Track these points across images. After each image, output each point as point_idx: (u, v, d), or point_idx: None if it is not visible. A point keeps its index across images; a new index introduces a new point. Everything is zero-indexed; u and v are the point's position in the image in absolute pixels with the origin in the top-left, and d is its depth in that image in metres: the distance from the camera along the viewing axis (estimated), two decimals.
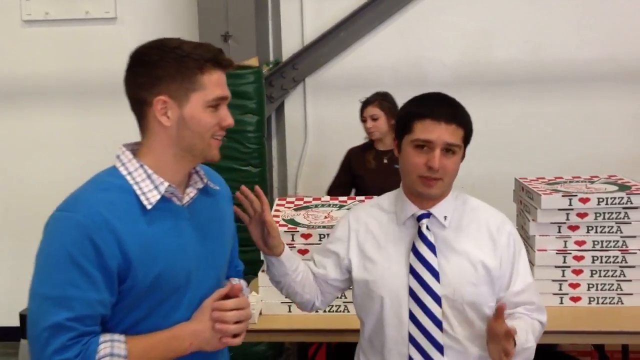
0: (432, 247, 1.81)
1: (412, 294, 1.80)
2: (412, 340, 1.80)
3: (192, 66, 1.49)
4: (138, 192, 1.49)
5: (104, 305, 1.43)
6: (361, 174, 3.73)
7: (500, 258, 1.82)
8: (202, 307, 1.55)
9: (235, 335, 1.56)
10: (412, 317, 1.80)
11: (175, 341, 1.51)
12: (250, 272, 2.92)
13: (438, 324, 1.79)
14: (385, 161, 3.72)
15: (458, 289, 1.79)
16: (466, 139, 1.80)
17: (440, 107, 1.78)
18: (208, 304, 1.55)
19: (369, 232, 1.90)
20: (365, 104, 3.71)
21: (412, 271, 1.80)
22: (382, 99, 3.71)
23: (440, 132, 1.74)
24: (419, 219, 1.83)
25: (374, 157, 3.74)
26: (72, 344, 1.39)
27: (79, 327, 1.39)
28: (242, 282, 1.87)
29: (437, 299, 1.79)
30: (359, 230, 1.92)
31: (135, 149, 1.56)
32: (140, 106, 1.53)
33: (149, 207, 1.49)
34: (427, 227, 1.82)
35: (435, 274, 1.79)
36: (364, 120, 3.72)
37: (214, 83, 1.52)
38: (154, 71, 1.49)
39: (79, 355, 1.39)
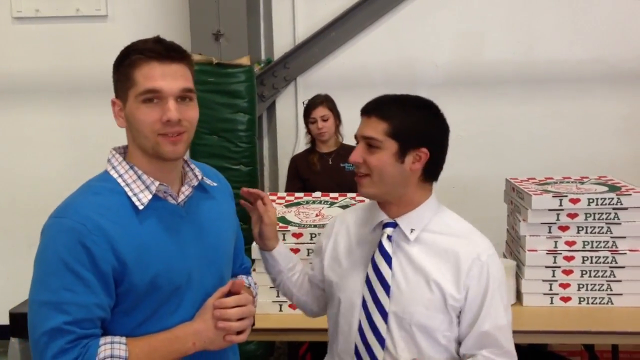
0: (388, 259, 1.71)
1: (364, 304, 1.73)
2: (356, 351, 1.74)
3: (127, 63, 1.47)
4: (129, 193, 1.49)
5: (101, 308, 1.43)
6: (308, 177, 3.78)
7: (467, 290, 1.66)
8: (204, 306, 1.54)
9: (239, 333, 1.54)
10: (360, 329, 1.73)
11: (178, 342, 1.49)
12: None
13: (380, 340, 1.70)
14: (330, 162, 3.77)
15: (407, 308, 1.68)
16: (395, 134, 1.66)
17: (369, 103, 1.74)
18: (210, 303, 1.53)
19: (347, 234, 1.87)
20: (314, 105, 3.76)
21: (367, 281, 1.73)
22: (328, 101, 3.79)
23: (362, 126, 1.72)
24: (384, 227, 1.74)
25: (318, 159, 3.80)
26: (71, 347, 1.38)
27: (77, 330, 1.39)
28: (250, 279, 1.86)
29: (383, 314, 1.70)
30: (339, 232, 1.89)
31: (125, 152, 1.56)
32: None
33: (141, 207, 1.48)
34: (388, 237, 1.73)
35: (386, 288, 1.70)
36: (312, 121, 3.75)
37: (144, 76, 1.45)
38: (113, 75, 1.52)
39: (78, 357, 1.38)
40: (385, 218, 1.75)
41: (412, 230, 1.72)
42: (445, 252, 1.69)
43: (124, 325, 1.48)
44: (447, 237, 1.71)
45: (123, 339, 1.45)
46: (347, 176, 3.76)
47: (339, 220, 1.93)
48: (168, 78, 1.46)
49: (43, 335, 1.38)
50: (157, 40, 1.49)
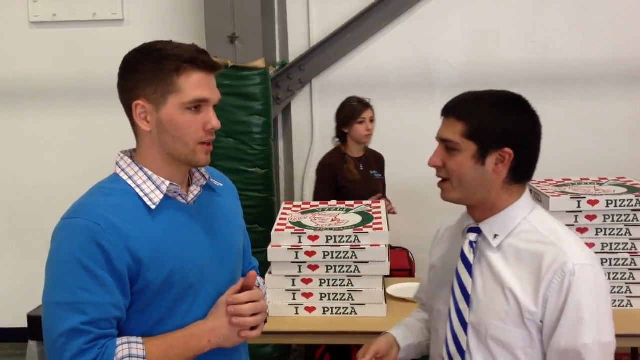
0: (468, 266, 1.61)
1: (449, 314, 1.64)
2: None
3: (168, 68, 1.46)
4: (141, 194, 1.50)
5: (117, 307, 1.43)
6: (345, 185, 3.67)
7: (546, 303, 1.51)
8: (217, 303, 1.54)
9: (252, 328, 1.54)
10: (446, 339, 1.66)
11: (193, 340, 1.49)
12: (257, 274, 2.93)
13: (461, 352, 1.61)
14: (362, 168, 3.73)
15: (483, 319, 1.57)
16: (473, 135, 1.56)
17: (448, 103, 1.63)
18: (223, 300, 1.54)
19: (444, 240, 1.80)
20: (365, 106, 3.71)
21: (452, 289, 1.65)
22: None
23: (441, 128, 1.62)
24: (468, 232, 1.65)
25: (354, 166, 3.72)
26: (89, 348, 1.38)
27: (95, 330, 1.39)
28: (259, 279, 1.87)
29: (464, 325, 1.60)
30: (440, 238, 1.83)
31: (133, 155, 1.57)
32: (127, 111, 1.53)
33: (153, 207, 1.49)
34: (471, 244, 1.62)
35: (466, 297, 1.60)
36: (361, 122, 3.69)
37: (192, 85, 1.47)
38: (133, 75, 1.49)
39: (96, 358, 1.38)
40: (470, 223, 1.65)
41: (495, 235, 1.59)
42: (529, 261, 1.55)
43: (139, 325, 1.48)
44: (534, 244, 1.56)
45: (140, 339, 1.45)
46: (377, 184, 3.74)
47: (443, 227, 1.85)
48: (212, 89, 1.51)
49: (60, 336, 1.38)
50: (201, 50, 1.50)
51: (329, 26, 4.27)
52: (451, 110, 1.60)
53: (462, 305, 1.61)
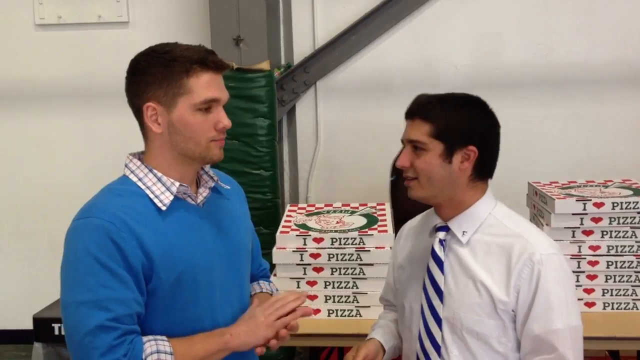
0: (440, 263, 1.68)
1: (422, 310, 1.71)
2: (417, 359, 1.73)
3: (177, 70, 1.48)
4: (151, 195, 1.51)
5: (138, 303, 1.44)
6: None
7: (517, 292, 1.59)
8: (249, 314, 1.58)
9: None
10: (419, 336, 1.72)
11: (214, 334, 1.52)
12: None
13: (436, 347, 1.68)
14: None
15: (458, 313, 1.64)
16: (440, 135, 1.63)
17: (411, 105, 1.71)
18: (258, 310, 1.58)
19: (410, 240, 1.86)
20: None
21: (424, 287, 1.72)
22: None
23: (406, 130, 1.70)
24: (437, 231, 1.72)
25: None
26: (119, 344, 1.39)
27: (121, 325, 1.40)
28: (272, 285, 1.88)
29: (438, 320, 1.67)
30: (405, 238, 1.88)
31: (142, 157, 1.58)
32: (136, 114, 1.55)
33: (163, 208, 1.51)
34: (440, 242, 1.69)
35: (439, 293, 1.67)
36: None
37: (202, 85, 1.50)
38: (143, 78, 1.50)
39: (127, 354, 1.39)
40: (438, 222, 1.72)
41: (464, 232, 1.67)
42: (498, 253, 1.63)
43: (151, 323, 1.49)
44: (501, 237, 1.65)
45: (164, 337, 1.46)
46: None
47: (406, 227, 1.91)
48: (221, 88, 1.56)
49: (86, 335, 1.38)
50: (209, 51, 1.53)
51: (334, 28, 4.27)
52: (416, 112, 1.68)
53: (436, 302, 1.67)
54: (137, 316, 1.45)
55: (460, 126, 1.63)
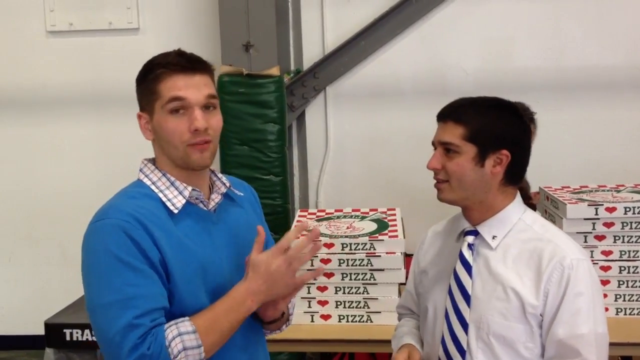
0: (468, 268, 1.66)
1: (446, 314, 1.69)
2: None
3: (150, 77, 1.52)
4: (164, 199, 1.53)
5: (164, 297, 1.45)
6: None
7: (546, 296, 1.58)
8: (252, 263, 1.50)
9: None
10: (442, 340, 1.70)
11: (235, 303, 1.48)
12: None
13: (461, 352, 1.65)
14: None
15: (485, 317, 1.62)
16: (473, 138, 1.61)
17: (444, 108, 1.69)
18: (260, 259, 1.49)
19: (435, 244, 1.84)
20: (524, 109, 3.50)
21: (449, 291, 1.70)
22: None
23: (438, 132, 1.68)
24: (465, 235, 1.70)
25: None
26: (142, 341, 1.39)
27: (147, 322, 1.40)
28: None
29: (464, 325, 1.65)
30: (430, 243, 1.87)
31: (155, 162, 1.61)
32: None
33: (175, 211, 1.52)
34: (469, 246, 1.68)
35: (466, 297, 1.65)
36: None
37: (167, 87, 1.51)
38: (137, 89, 1.57)
39: (150, 347, 1.39)
40: (467, 226, 1.70)
41: (494, 237, 1.66)
42: (527, 258, 1.62)
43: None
44: (531, 242, 1.64)
45: (185, 317, 1.46)
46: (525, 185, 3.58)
47: (431, 231, 1.90)
48: (192, 88, 1.51)
49: (116, 334, 1.40)
50: (179, 54, 1.54)
51: (344, 33, 4.27)
52: (449, 115, 1.66)
53: (462, 305, 1.65)
54: (164, 309, 1.45)
55: (494, 130, 1.62)
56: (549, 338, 1.58)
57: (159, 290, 1.44)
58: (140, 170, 1.59)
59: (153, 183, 1.55)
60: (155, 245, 1.45)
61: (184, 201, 1.53)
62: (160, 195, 1.53)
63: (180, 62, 1.51)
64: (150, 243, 1.45)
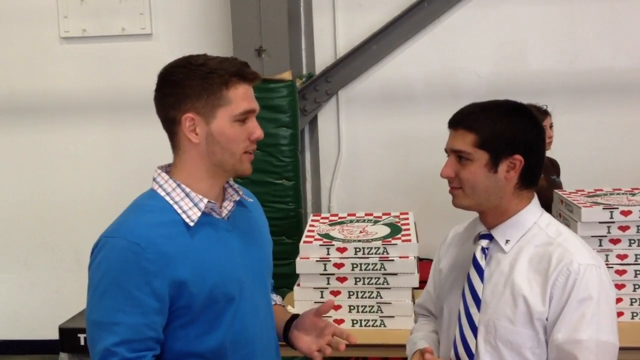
0: (480, 271, 1.66)
1: (459, 317, 1.69)
2: None
3: (217, 82, 1.50)
4: (179, 211, 1.52)
5: (152, 328, 1.45)
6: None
7: (550, 300, 1.57)
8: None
9: None
10: (454, 343, 1.70)
11: None
12: (285, 286, 2.93)
13: (470, 355, 1.65)
14: (543, 175, 3.60)
15: (493, 321, 1.62)
16: (485, 145, 1.60)
17: (455, 115, 1.68)
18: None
19: (454, 246, 1.85)
20: (545, 112, 3.52)
21: (463, 293, 1.70)
22: None
23: (450, 139, 1.67)
24: (480, 239, 1.69)
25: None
26: None
27: (123, 352, 1.41)
28: (278, 298, 1.88)
29: (473, 328, 1.65)
30: (450, 244, 1.87)
31: (169, 170, 1.59)
32: (170, 125, 1.55)
33: (191, 224, 1.51)
34: (483, 250, 1.67)
35: (477, 301, 1.65)
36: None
37: (240, 97, 1.52)
38: (180, 90, 1.51)
39: None
40: (482, 230, 1.70)
41: (507, 241, 1.65)
42: (537, 262, 1.61)
43: (180, 341, 1.50)
44: (542, 246, 1.62)
45: None
46: (558, 187, 3.55)
47: (453, 231, 1.91)
48: (254, 99, 1.56)
49: (96, 355, 1.43)
50: (246, 63, 1.56)
51: (355, 38, 4.28)
52: (460, 122, 1.65)
53: (473, 309, 1.66)
54: (152, 340, 1.46)
55: (505, 135, 1.61)
56: (550, 342, 1.58)
57: (145, 322, 1.43)
58: (154, 179, 1.57)
59: (167, 194, 1.53)
60: (169, 267, 1.45)
61: (199, 213, 1.52)
62: (176, 207, 1.52)
63: (252, 73, 1.54)
64: (161, 266, 1.44)
